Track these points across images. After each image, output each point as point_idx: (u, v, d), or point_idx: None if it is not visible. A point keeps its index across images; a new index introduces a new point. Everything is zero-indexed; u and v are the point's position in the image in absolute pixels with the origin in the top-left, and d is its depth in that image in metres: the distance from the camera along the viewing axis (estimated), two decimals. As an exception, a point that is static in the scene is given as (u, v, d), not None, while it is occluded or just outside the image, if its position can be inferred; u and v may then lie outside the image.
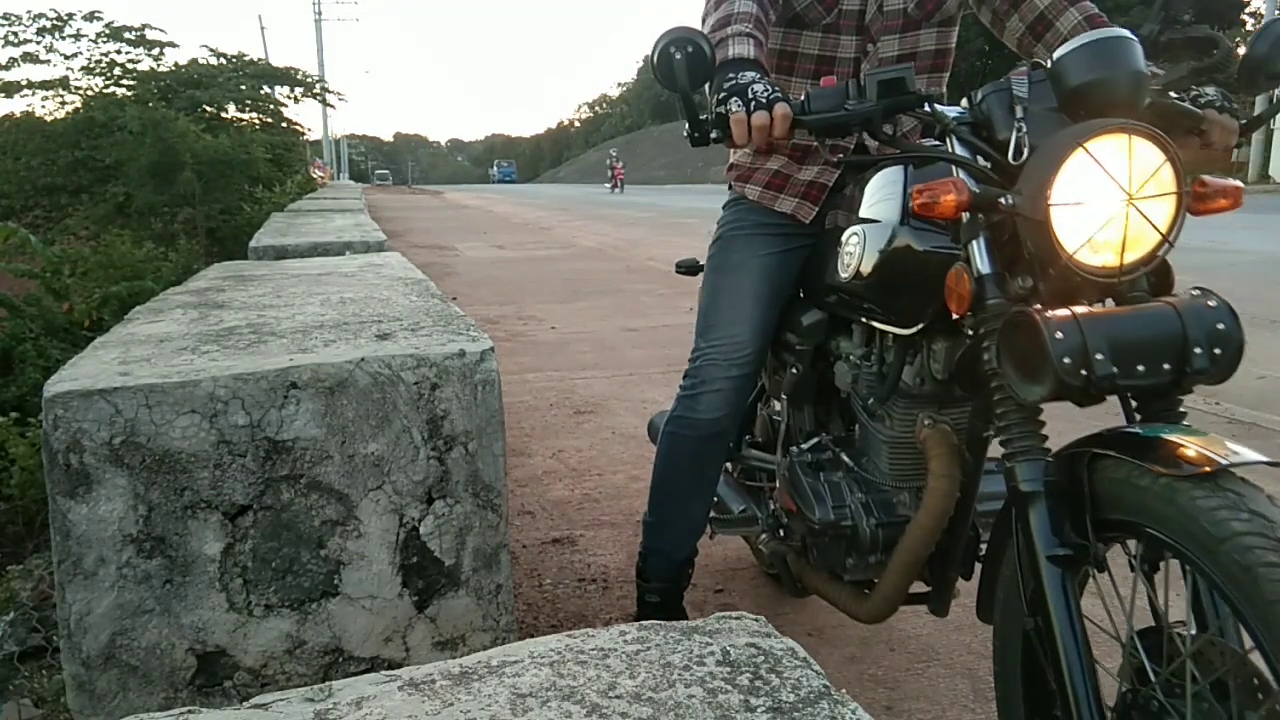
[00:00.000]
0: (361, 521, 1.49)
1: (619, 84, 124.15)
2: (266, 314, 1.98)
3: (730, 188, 1.89)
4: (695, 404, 1.76)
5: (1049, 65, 1.23)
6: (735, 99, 1.33)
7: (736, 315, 1.75)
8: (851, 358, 1.64)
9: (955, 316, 1.26)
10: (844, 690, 0.90)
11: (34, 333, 3.62)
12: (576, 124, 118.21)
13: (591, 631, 1.02)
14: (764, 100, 1.32)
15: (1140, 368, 1.08)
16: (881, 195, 1.50)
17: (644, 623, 1.04)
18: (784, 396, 1.84)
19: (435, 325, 1.78)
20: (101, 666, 1.41)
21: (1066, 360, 1.06)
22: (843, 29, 1.68)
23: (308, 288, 2.41)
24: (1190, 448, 1.01)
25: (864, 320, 1.59)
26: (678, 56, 1.30)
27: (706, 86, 1.40)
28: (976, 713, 1.75)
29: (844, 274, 1.54)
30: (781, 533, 1.83)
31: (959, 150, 1.28)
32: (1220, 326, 1.08)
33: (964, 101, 1.33)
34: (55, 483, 1.36)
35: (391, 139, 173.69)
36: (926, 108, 1.32)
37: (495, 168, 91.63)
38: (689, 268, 2.32)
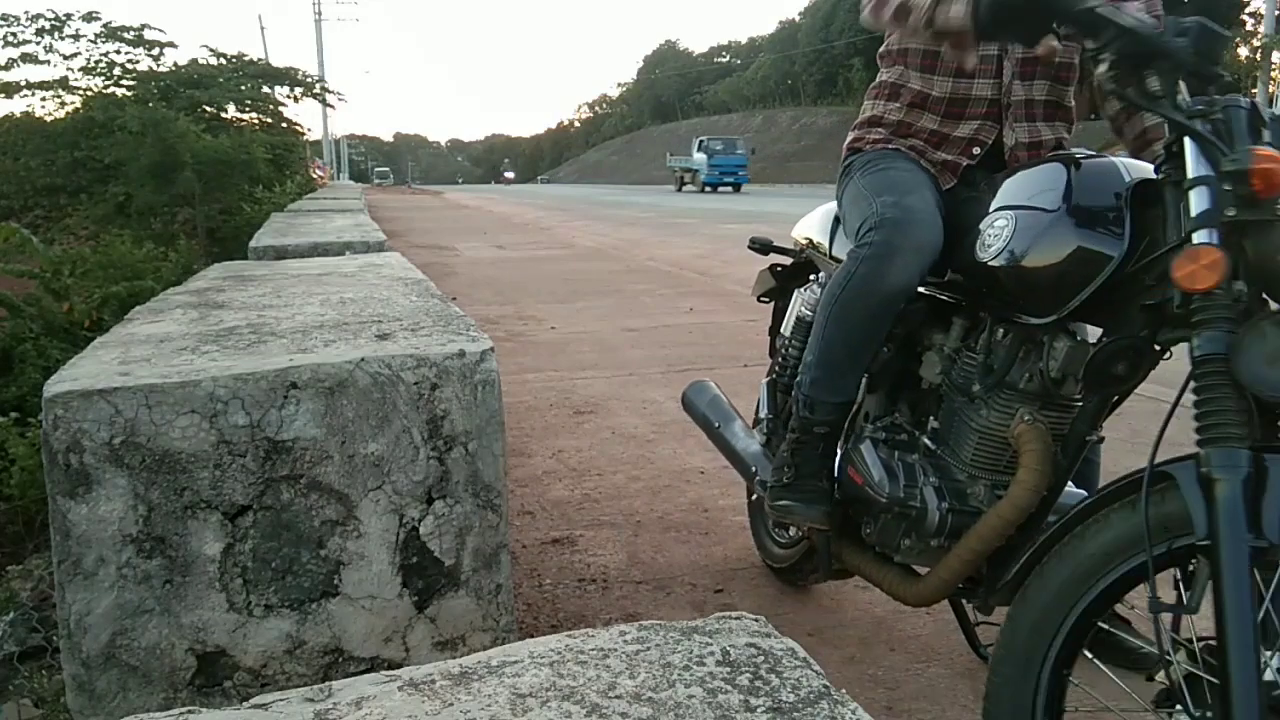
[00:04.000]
0: (361, 521, 1.49)
1: (619, 84, 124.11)
2: (266, 314, 1.98)
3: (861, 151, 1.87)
4: (884, 268, 1.61)
5: None
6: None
7: (912, 188, 1.67)
8: (946, 348, 1.66)
9: (1187, 293, 1.19)
10: (844, 690, 0.90)
11: (34, 333, 3.63)
12: (576, 124, 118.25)
13: (591, 631, 1.02)
14: None
15: None
16: (1038, 188, 1.49)
17: (644, 623, 1.04)
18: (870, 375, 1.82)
19: (435, 325, 1.78)
20: (101, 666, 1.41)
21: None
22: None
23: (308, 288, 2.41)
24: None
25: (975, 306, 1.60)
26: None
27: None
28: (976, 713, 1.75)
29: (982, 255, 1.51)
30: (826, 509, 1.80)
31: (1196, 153, 1.22)
32: None
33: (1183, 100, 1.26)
34: (55, 483, 1.36)
35: (391, 139, 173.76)
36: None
37: (699, 149, 38.33)
38: (763, 245, 2.29)
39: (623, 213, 20.68)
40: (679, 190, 38.31)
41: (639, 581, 2.34)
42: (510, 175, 75.81)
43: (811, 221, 2.14)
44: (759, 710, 0.85)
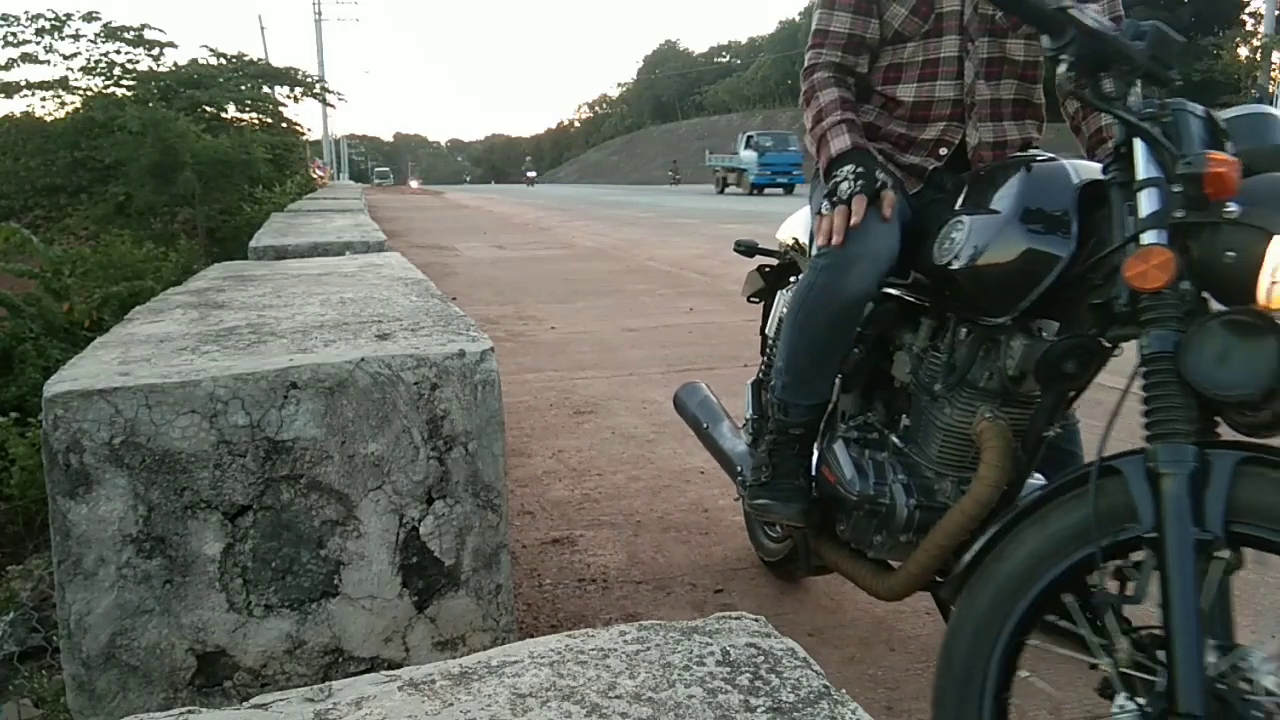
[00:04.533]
0: (361, 521, 1.49)
1: (619, 84, 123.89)
2: (266, 314, 1.98)
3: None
4: (842, 276, 1.66)
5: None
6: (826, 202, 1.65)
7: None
8: (914, 348, 1.71)
9: (1136, 292, 1.23)
10: (844, 690, 0.90)
11: (34, 333, 3.63)
12: (576, 124, 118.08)
13: (591, 631, 1.02)
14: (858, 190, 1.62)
15: None
16: (992, 192, 1.55)
17: (644, 623, 1.04)
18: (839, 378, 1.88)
19: (435, 325, 1.78)
20: (101, 666, 1.41)
21: None
22: (945, 30, 1.76)
23: (308, 288, 2.41)
24: None
25: (941, 307, 1.66)
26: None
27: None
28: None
29: (941, 259, 1.56)
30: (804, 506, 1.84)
31: (1147, 155, 1.25)
32: None
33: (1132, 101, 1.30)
34: (55, 483, 1.36)
35: (391, 139, 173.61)
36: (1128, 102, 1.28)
37: (747, 145, 33.27)
38: (748, 248, 2.34)
39: (623, 213, 20.68)
40: (720, 192, 33.48)
41: (639, 581, 2.34)
42: (533, 175, 71.43)
43: (795, 223, 2.18)
44: (759, 710, 0.85)
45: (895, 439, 1.73)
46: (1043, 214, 1.43)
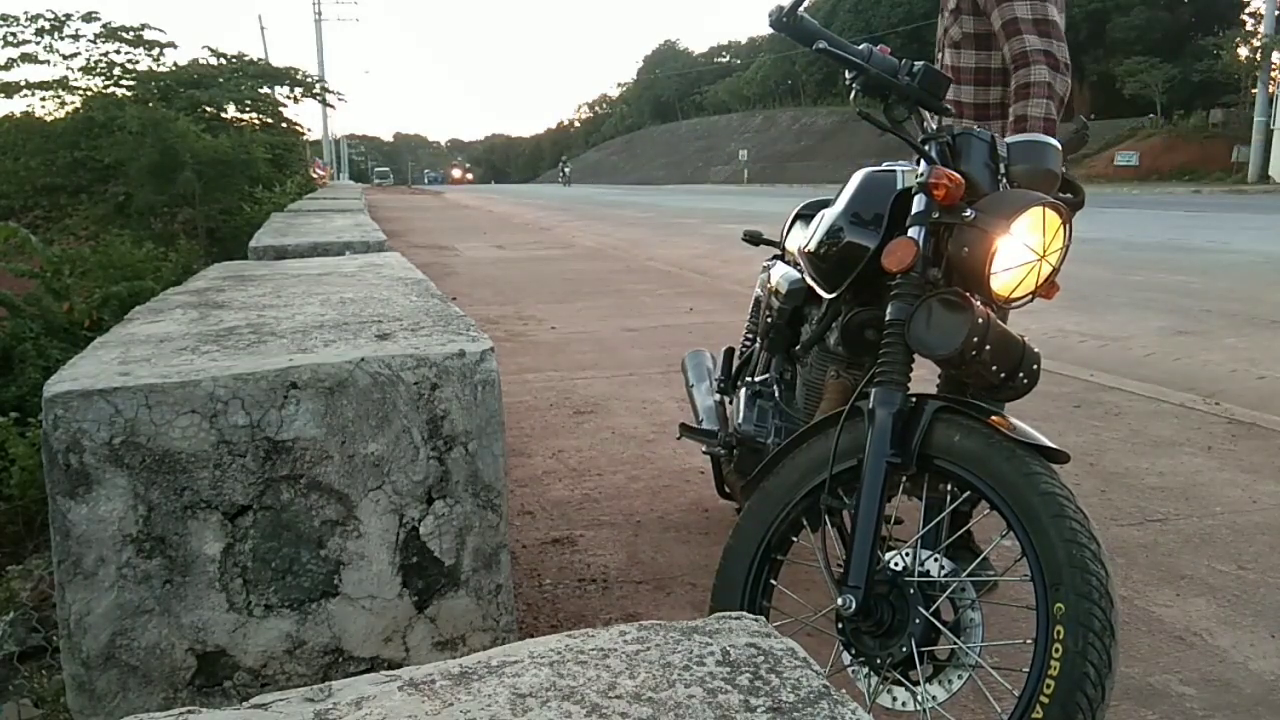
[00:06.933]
0: (361, 521, 1.49)
1: (619, 84, 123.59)
2: (266, 314, 1.98)
3: None
4: None
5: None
6: None
7: None
8: (811, 320, 2.03)
9: (893, 273, 1.54)
10: (844, 690, 0.90)
11: (34, 333, 3.63)
12: (576, 124, 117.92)
13: (591, 631, 1.02)
14: None
15: (996, 368, 1.45)
16: (846, 190, 1.82)
17: (644, 623, 1.04)
18: (763, 339, 2.25)
19: (435, 325, 1.78)
20: (101, 666, 1.41)
21: (975, 339, 1.41)
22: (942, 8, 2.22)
23: (308, 288, 2.41)
24: (1010, 422, 1.40)
25: (807, 280, 1.96)
26: None
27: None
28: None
29: (803, 242, 1.89)
30: (724, 445, 2.27)
31: (926, 168, 1.55)
32: (1035, 367, 1.50)
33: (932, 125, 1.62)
34: (55, 483, 1.36)
35: (391, 139, 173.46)
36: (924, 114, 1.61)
37: None
38: (754, 237, 2.63)
39: (623, 213, 20.68)
40: None
41: (639, 581, 2.34)
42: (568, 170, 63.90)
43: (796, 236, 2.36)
44: (759, 710, 0.85)
45: (778, 391, 2.13)
46: (866, 212, 1.72)
